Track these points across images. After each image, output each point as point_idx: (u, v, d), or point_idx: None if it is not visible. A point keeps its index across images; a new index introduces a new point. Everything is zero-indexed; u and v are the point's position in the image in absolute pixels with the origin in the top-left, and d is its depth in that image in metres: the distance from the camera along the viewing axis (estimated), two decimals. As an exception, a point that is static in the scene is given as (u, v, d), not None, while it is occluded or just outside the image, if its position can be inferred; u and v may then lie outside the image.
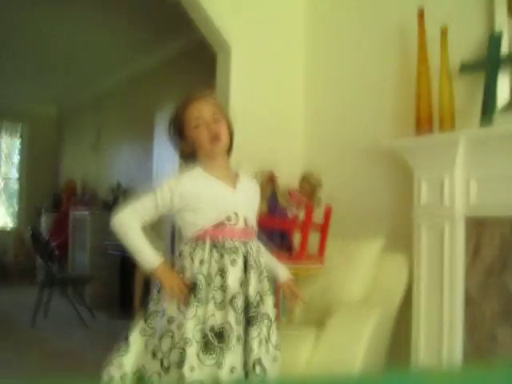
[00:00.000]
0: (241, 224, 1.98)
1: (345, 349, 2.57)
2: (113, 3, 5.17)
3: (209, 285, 1.90)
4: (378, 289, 2.88)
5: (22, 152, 9.70)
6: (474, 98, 2.81)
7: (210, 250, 1.93)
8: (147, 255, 2.00)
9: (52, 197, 8.94)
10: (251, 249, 1.98)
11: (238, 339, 1.87)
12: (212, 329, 1.85)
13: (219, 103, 2.10)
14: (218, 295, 1.89)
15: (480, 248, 2.62)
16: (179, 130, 2.04)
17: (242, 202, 2.01)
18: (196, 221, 1.97)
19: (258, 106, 3.67)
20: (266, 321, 1.96)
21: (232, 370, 1.85)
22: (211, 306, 1.88)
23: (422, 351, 2.74)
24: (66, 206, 7.86)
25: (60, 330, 5.38)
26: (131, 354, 1.95)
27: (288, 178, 3.37)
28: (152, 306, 2.01)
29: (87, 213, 6.90)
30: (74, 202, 7.74)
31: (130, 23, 5.67)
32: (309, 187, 3.19)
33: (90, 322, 5.61)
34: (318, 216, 3.10)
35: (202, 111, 2.00)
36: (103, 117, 8.13)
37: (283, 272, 2.23)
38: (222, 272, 1.90)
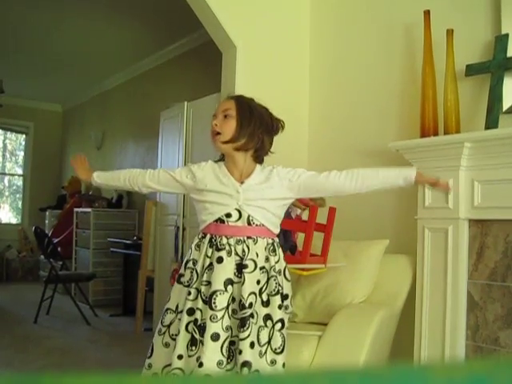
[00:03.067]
0: (242, 222, 1.97)
1: (348, 350, 2.56)
2: (118, 3, 5.18)
3: (198, 278, 1.95)
4: (382, 290, 2.88)
5: (26, 149, 9.71)
6: (479, 101, 2.81)
7: (207, 245, 1.97)
8: None
9: (56, 194, 8.96)
10: (253, 247, 1.95)
11: (216, 338, 1.85)
12: (195, 322, 1.90)
13: (244, 103, 2.10)
14: (205, 290, 1.92)
15: (484, 251, 2.61)
16: None
17: (248, 200, 1.99)
18: (202, 216, 2.02)
19: (262, 106, 3.67)
20: (268, 322, 1.94)
21: (218, 364, 1.85)
22: (200, 300, 1.92)
23: (425, 353, 2.73)
24: (69, 204, 7.87)
25: (62, 327, 5.39)
26: (155, 354, 2.01)
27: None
28: (165, 305, 2.07)
29: (91, 210, 6.91)
30: (78, 200, 7.75)
31: (136, 22, 5.68)
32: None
33: (92, 320, 5.62)
34: (321, 217, 3.09)
35: (218, 108, 2.09)
36: (108, 115, 8.15)
37: (406, 172, 2.05)
38: (211, 268, 1.93)
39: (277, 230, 2.09)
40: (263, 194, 2.03)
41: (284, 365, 1.98)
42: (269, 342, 1.93)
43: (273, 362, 1.95)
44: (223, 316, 1.87)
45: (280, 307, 1.99)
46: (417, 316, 2.79)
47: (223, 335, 1.86)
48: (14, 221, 9.70)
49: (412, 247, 2.89)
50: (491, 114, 2.65)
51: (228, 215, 1.97)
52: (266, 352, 1.92)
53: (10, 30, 6.03)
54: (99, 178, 2.20)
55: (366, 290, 2.88)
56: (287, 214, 3.09)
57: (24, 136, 9.71)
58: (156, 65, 6.80)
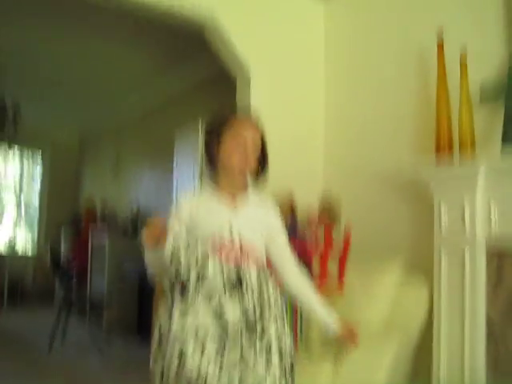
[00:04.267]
0: (235, 250, 1.93)
1: (364, 380, 2.51)
2: (134, 29, 5.25)
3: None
4: (398, 316, 2.83)
5: (42, 176, 9.80)
6: (494, 124, 2.79)
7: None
8: None
9: (72, 222, 9.01)
10: (246, 273, 1.91)
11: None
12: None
13: (265, 136, 2.07)
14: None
15: (502, 275, 2.57)
16: (217, 136, 2.02)
17: (240, 224, 1.96)
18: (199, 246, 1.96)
19: (277, 132, 3.66)
20: (263, 352, 1.86)
21: None
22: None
23: (444, 381, 2.67)
24: (85, 232, 7.90)
25: (77, 355, 5.36)
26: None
27: (307, 203, 3.36)
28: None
29: (106, 238, 6.92)
30: (94, 228, 7.78)
31: (152, 49, 5.75)
32: (328, 214, 3.17)
33: (107, 348, 5.58)
34: (336, 242, 3.07)
35: (248, 134, 1.99)
36: (123, 141, 8.20)
37: (331, 320, 2.12)
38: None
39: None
40: (255, 222, 2.02)
41: None
42: (266, 374, 1.85)
43: None
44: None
45: (276, 338, 1.92)
46: (435, 342, 2.73)
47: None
48: (29, 249, 9.73)
49: (429, 271, 2.84)
50: (506, 138, 2.62)
51: (222, 245, 1.92)
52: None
53: (26, 55, 6.12)
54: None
55: (382, 315, 2.83)
56: (303, 241, 3.07)
57: (40, 163, 9.79)
58: (171, 92, 6.84)
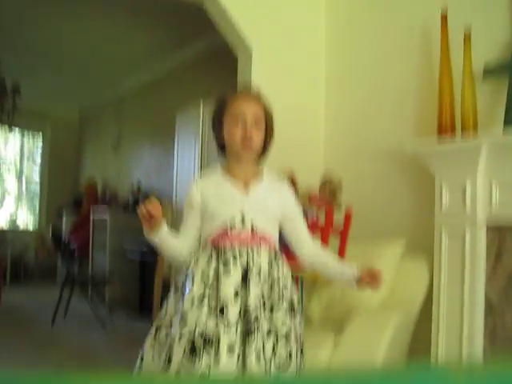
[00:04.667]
0: (247, 231, 1.91)
1: (364, 352, 2.55)
2: (135, 6, 5.21)
3: (205, 291, 1.87)
4: (398, 294, 2.86)
5: (43, 152, 9.80)
6: (497, 102, 2.78)
7: (210, 257, 1.90)
8: None
9: (73, 198, 9.03)
10: (257, 257, 1.89)
11: (231, 351, 1.77)
12: (201, 335, 1.79)
13: (268, 109, 2.03)
14: (213, 303, 1.84)
15: (502, 254, 2.58)
16: (220, 119, 2.00)
17: (252, 209, 1.94)
18: (206, 229, 1.97)
19: (278, 108, 3.65)
20: (272, 335, 1.84)
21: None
22: (205, 311, 1.83)
23: (442, 356, 2.70)
24: (86, 208, 7.92)
25: (78, 330, 5.42)
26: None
27: (308, 181, 3.36)
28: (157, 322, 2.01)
29: (108, 214, 6.95)
30: (95, 204, 7.79)
31: (152, 25, 5.71)
32: (329, 191, 3.18)
33: (108, 323, 5.64)
34: (337, 220, 3.08)
35: (246, 109, 1.95)
36: (124, 118, 8.19)
37: (351, 269, 2.07)
38: (218, 280, 1.86)
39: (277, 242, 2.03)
40: (267, 202, 1.99)
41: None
42: (273, 357, 1.84)
43: None
44: (239, 329, 1.81)
45: (284, 323, 1.90)
46: (434, 319, 2.77)
47: (236, 348, 1.79)
48: (30, 224, 9.78)
49: (429, 250, 2.86)
50: (509, 115, 2.62)
51: (232, 225, 1.91)
52: (267, 366, 1.81)
53: (25, 32, 6.09)
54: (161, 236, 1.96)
55: (383, 293, 2.86)
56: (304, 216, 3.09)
57: (41, 139, 9.78)
58: (172, 68, 6.83)
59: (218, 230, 1.92)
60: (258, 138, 1.96)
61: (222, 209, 1.93)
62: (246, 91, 2.13)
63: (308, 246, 2.10)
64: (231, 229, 1.91)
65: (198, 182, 2.04)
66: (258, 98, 2.01)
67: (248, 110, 1.95)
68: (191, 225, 2.02)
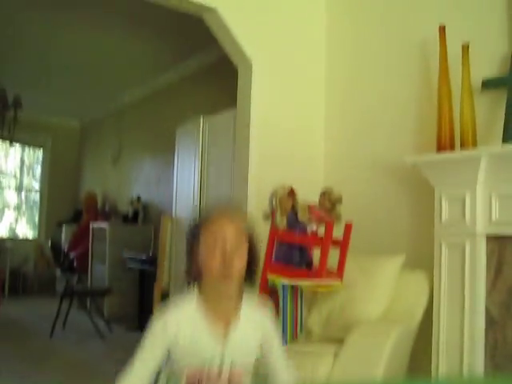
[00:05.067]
0: (225, 373, 1.71)
1: (364, 367, 2.54)
2: (136, 19, 5.24)
3: None
4: (398, 306, 2.85)
5: (43, 164, 9.80)
6: (496, 115, 2.80)
7: None
8: None
9: (73, 210, 9.02)
10: None
11: None
12: None
13: (247, 224, 1.78)
14: None
15: (502, 267, 2.58)
16: (194, 246, 1.74)
17: (232, 353, 1.72)
18: (178, 360, 1.73)
19: (278, 121, 3.69)
20: None
21: None
22: None
23: (442, 371, 2.70)
24: (86, 219, 7.92)
25: (78, 342, 5.40)
26: None
27: (308, 193, 3.36)
28: None
29: (107, 225, 6.95)
30: (94, 215, 7.79)
31: (152, 37, 5.73)
32: (329, 203, 3.18)
33: (107, 334, 5.63)
34: (337, 232, 3.08)
35: (223, 230, 1.68)
36: (124, 131, 8.21)
37: None
38: None
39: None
40: (248, 343, 1.78)
41: None
42: None
43: None
44: None
45: None
46: (434, 332, 2.76)
47: None
48: (30, 235, 9.77)
49: (428, 260, 2.86)
50: (508, 128, 2.63)
51: (209, 370, 1.70)
52: None
53: (26, 45, 6.12)
54: None
55: (383, 306, 2.85)
56: (303, 230, 3.09)
57: (41, 151, 9.79)
58: (173, 81, 6.85)
59: (192, 366, 1.70)
60: (239, 262, 1.69)
61: (197, 353, 1.70)
62: (223, 211, 1.78)
63: (282, 378, 1.85)
64: (208, 369, 1.70)
65: (168, 315, 1.72)
66: (238, 218, 1.77)
67: (225, 229, 1.69)
68: (151, 358, 1.70)
